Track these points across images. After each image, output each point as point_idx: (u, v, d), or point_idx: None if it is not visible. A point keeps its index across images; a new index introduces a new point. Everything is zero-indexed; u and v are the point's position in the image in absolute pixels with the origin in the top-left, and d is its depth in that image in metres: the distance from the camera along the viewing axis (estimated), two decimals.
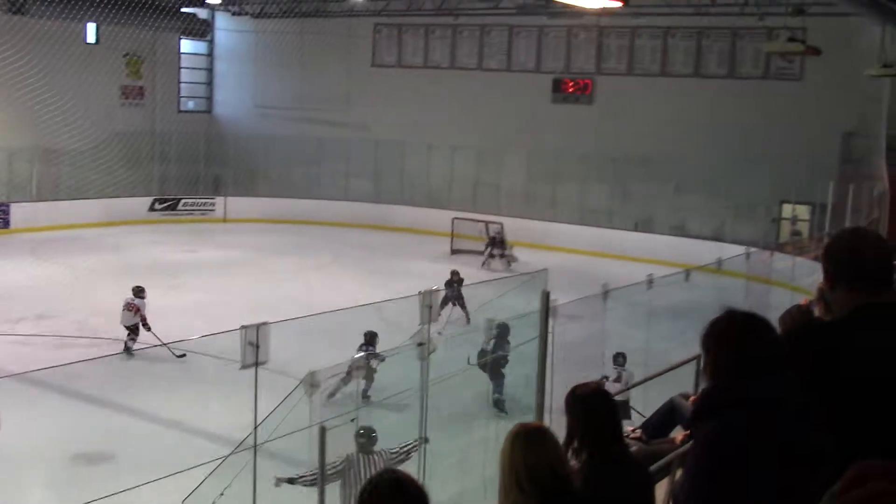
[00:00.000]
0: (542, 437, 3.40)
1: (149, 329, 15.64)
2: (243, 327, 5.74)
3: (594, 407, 3.85)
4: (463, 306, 18.00)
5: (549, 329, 7.57)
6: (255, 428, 6.81)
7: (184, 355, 14.71)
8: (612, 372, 11.69)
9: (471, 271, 23.48)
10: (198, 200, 31.60)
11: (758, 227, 26.04)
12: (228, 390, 13.13)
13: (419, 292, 6.96)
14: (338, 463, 7.81)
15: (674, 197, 26.99)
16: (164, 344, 14.35)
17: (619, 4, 9.31)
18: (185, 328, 15.43)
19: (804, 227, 26.17)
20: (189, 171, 32.29)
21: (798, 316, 4.04)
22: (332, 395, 10.86)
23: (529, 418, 7.16)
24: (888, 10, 16.96)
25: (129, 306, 15.96)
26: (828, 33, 22.00)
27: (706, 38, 27.79)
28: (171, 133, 32.44)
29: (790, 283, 19.28)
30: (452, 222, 27.12)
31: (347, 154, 31.68)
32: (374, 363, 10.76)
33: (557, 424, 9.00)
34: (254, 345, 5.58)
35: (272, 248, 25.62)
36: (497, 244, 25.16)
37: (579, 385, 4.02)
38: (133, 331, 15.75)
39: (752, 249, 17.85)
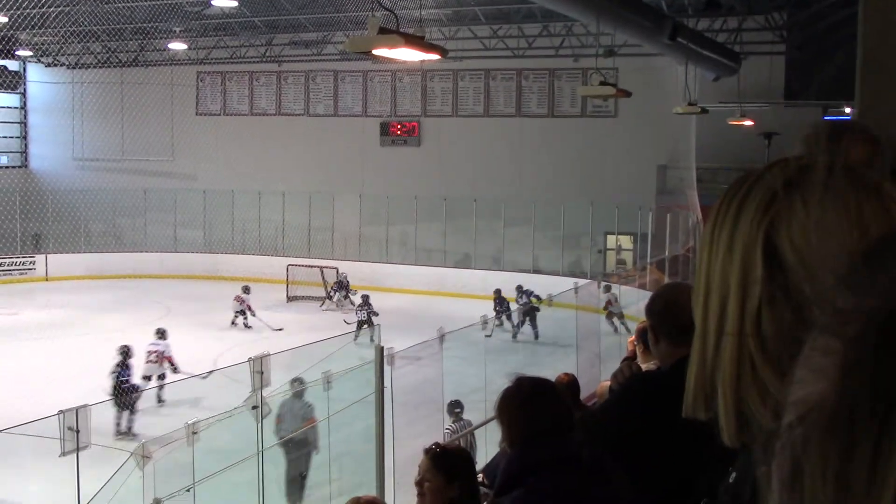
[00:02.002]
0: None
1: (177, 371, 14.69)
2: (61, 412, 5.47)
3: (453, 467, 3.83)
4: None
5: (387, 381, 7.63)
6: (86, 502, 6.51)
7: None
8: (448, 424, 11.69)
9: (307, 318, 23.35)
10: (16, 259, 30.01)
11: (584, 259, 27.06)
12: (51, 467, 12.49)
13: (249, 359, 6.85)
14: None
15: (504, 233, 27.68)
16: (195, 375, 13.38)
17: (437, 57, 9.56)
18: (8, 400, 14.55)
19: (628, 257, 27.35)
20: (4, 229, 30.61)
21: (627, 370, 4.24)
22: None
23: (371, 474, 7.17)
24: (689, 50, 18.09)
25: (152, 354, 14.89)
26: (639, 73, 23.19)
27: (525, 79, 28.79)
28: None
29: (619, 312, 20.19)
30: (287, 269, 26.86)
31: (175, 204, 30.91)
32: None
33: (400, 475, 9.00)
34: (73, 430, 5.32)
35: (101, 305, 24.62)
36: (343, 287, 25.10)
37: (438, 444, 4.01)
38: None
39: (581, 282, 18.51)
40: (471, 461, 4.04)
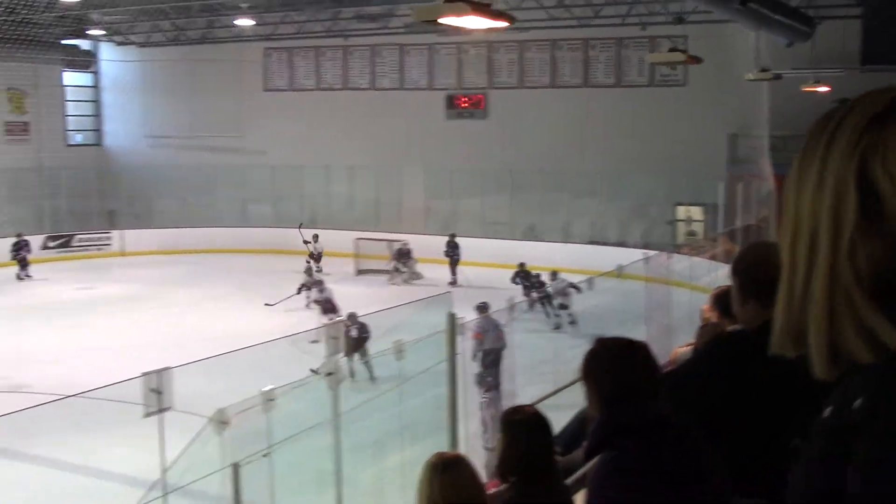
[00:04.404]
0: (458, 467, 3.42)
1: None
2: (144, 374, 5.60)
3: (528, 432, 3.84)
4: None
5: (457, 350, 7.63)
6: (164, 473, 6.67)
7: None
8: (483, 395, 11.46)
9: (376, 291, 23.53)
10: (92, 235, 30.76)
11: (654, 230, 26.74)
12: (134, 433, 12.84)
13: (324, 324, 6.90)
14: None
15: (572, 205, 27.48)
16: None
17: (506, 24, 9.47)
18: (85, 370, 14.95)
19: (699, 228, 26.96)
20: (81, 206, 31.39)
21: (712, 330, 4.15)
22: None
23: (442, 441, 7.20)
24: (762, 16, 17.67)
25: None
26: (708, 40, 22.75)
27: (592, 48, 28.44)
28: (59, 168, 31.51)
29: (689, 283, 19.87)
30: (355, 243, 27.04)
31: (244, 180, 31.31)
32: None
33: (471, 447, 9.09)
34: (156, 391, 5.44)
35: (173, 279, 25.12)
36: (403, 256, 25.26)
37: (515, 408, 4.00)
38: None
39: (651, 253, 18.28)
40: (546, 426, 4.00)
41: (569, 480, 5.78)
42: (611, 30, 27.03)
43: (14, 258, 26.34)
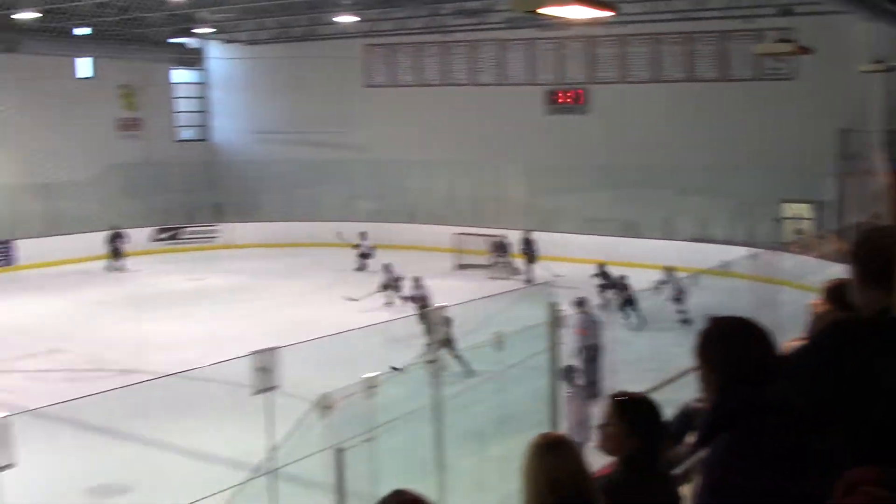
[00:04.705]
0: (563, 448, 3.39)
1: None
2: (254, 352, 5.75)
3: (637, 416, 3.77)
4: None
5: (558, 340, 7.61)
6: (272, 452, 6.83)
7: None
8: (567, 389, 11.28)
9: (475, 285, 23.56)
10: (200, 228, 31.68)
11: (760, 228, 26.08)
12: (240, 416, 13.19)
13: (423, 311, 6.94)
14: None
15: (675, 201, 27.03)
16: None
17: (610, 13, 9.34)
18: (195, 356, 15.41)
19: (807, 226, 26.20)
20: (190, 200, 32.36)
21: (828, 316, 4.02)
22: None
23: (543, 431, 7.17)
24: (876, 6, 17.07)
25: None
26: (817, 32, 22.10)
27: (696, 42, 27.90)
28: (169, 162, 32.56)
29: (796, 282, 19.31)
30: (455, 238, 27.16)
31: (347, 175, 31.76)
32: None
33: (571, 434, 9.01)
34: (265, 370, 5.59)
35: (277, 272, 25.66)
36: (499, 249, 25.19)
37: (624, 392, 3.94)
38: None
39: (758, 250, 17.86)
40: (657, 414, 3.92)
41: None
42: (715, 23, 26.45)
43: (110, 251, 27.06)
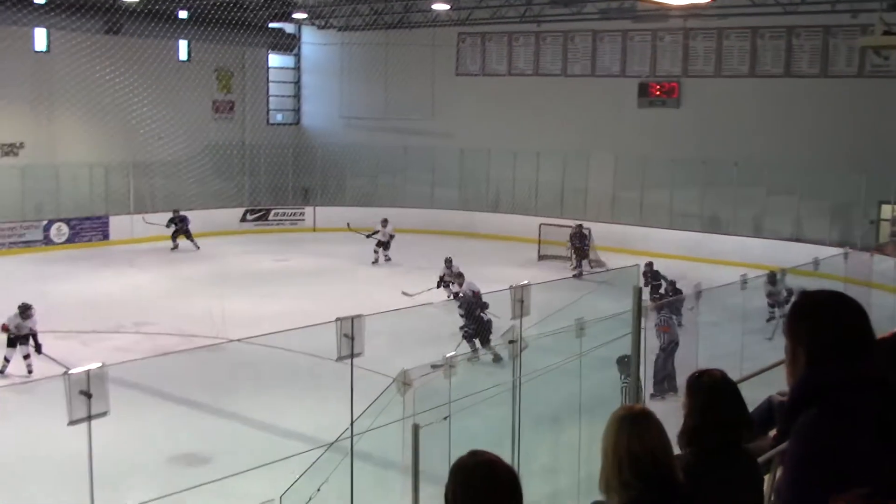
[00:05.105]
0: (647, 422, 3.27)
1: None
2: (338, 319, 5.78)
3: (718, 396, 3.64)
4: None
5: (641, 327, 7.45)
6: (352, 422, 6.86)
7: None
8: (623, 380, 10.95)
9: (557, 276, 23.39)
10: (287, 210, 32.16)
11: (855, 229, 25.30)
12: (321, 389, 13.36)
13: (510, 286, 6.87)
14: None
15: (766, 199, 26.40)
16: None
17: (707, 1, 9.12)
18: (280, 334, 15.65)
19: None
20: (279, 182, 32.91)
21: None
22: None
23: None
24: None
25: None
26: None
27: (796, 36, 27.16)
28: (260, 145, 33.14)
29: (890, 285, 18.68)
30: (539, 228, 27.00)
31: (433, 162, 31.85)
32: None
33: None
34: (349, 336, 5.61)
35: (361, 256, 25.86)
36: (576, 238, 24.73)
37: (704, 371, 3.83)
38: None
39: (851, 250, 17.30)
40: (735, 390, 3.80)
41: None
42: (817, 17, 25.70)
43: (173, 234, 27.35)
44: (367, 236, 25.56)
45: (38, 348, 15.09)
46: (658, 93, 29.36)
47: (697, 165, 27.14)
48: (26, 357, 14.95)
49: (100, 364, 4.72)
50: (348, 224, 26.61)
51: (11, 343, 15.13)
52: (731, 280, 18.88)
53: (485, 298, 16.08)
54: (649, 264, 20.40)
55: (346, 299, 20.18)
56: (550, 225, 26.99)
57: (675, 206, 28.02)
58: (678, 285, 18.12)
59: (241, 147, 32.98)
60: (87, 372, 4.68)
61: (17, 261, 25.29)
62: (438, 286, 20.21)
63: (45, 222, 27.58)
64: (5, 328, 15.13)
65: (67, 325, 17.69)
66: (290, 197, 33.02)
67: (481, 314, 16.04)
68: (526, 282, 7.28)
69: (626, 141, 28.78)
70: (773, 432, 7.18)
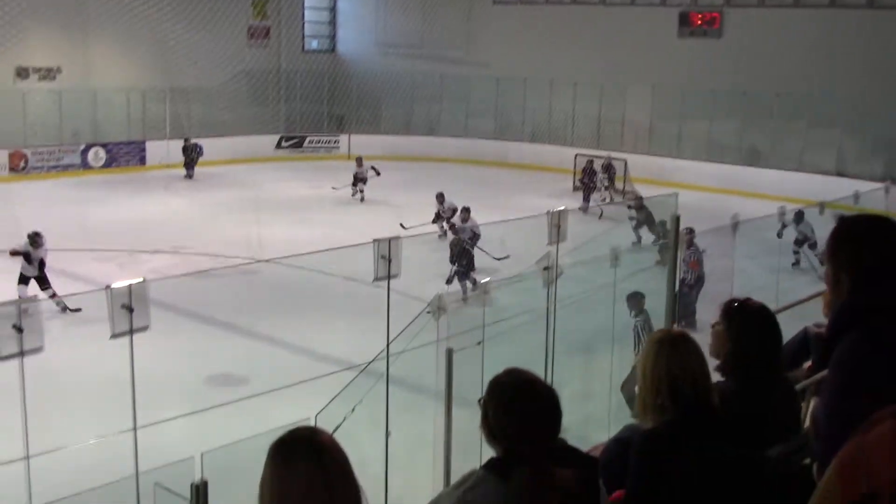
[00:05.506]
0: (685, 346, 3.26)
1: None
2: (376, 240, 5.79)
3: (760, 323, 3.62)
4: None
5: (678, 256, 7.40)
6: (388, 343, 6.91)
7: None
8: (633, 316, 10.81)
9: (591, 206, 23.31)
10: (322, 138, 32.12)
11: None
12: (355, 312, 13.48)
13: (547, 212, 6.81)
14: None
15: (807, 132, 25.94)
16: None
17: None
18: (314, 257, 15.75)
19: None
20: (313, 110, 32.82)
21: None
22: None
23: None
24: None
25: None
26: None
27: None
28: (295, 72, 32.98)
29: None
30: (575, 159, 26.78)
31: (468, 92, 31.55)
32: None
33: None
34: (386, 258, 5.62)
35: (394, 184, 25.83)
36: (586, 173, 24.28)
37: (745, 299, 3.79)
38: None
39: (893, 184, 16.99)
40: (772, 318, 3.77)
41: None
42: None
43: (186, 161, 27.22)
44: (357, 176, 24.89)
45: (42, 281, 14.35)
46: (699, 23, 28.75)
47: (737, 97, 26.66)
48: (53, 296, 14.05)
49: (141, 279, 4.77)
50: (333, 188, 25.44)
51: (23, 280, 14.38)
52: (764, 213, 18.73)
53: (516, 225, 15.85)
54: (638, 199, 19.84)
55: (380, 227, 20.23)
56: (585, 156, 26.74)
57: (713, 138, 27.63)
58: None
59: (277, 73, 32.84)
60: (129, 286, 4.74)
61: (56, 185, 25.57)
62: (434, 222, 19.95)
63: (82, 147, 27.78)
64: (14, 252, 14.48)
65: (105, 248, 17.95)
66: (325, 124, 32.94)
67: (469, 249, 15.86)
68: (563, 207, 7.22)
69: (665, 72, 28.28)
70: (807, 364, 7.15)
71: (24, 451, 5.20)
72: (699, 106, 27.34)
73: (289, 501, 2.23)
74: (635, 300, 10.45)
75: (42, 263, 14.55)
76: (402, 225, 19.16)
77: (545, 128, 30.74)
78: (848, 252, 2.76)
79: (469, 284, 15.16)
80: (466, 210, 17.72)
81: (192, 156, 27.20)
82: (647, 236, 17.95)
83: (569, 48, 29.99)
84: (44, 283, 14.41)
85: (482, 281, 7.52)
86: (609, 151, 26.83)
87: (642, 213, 18.79)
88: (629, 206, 19.51)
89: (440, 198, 20.12)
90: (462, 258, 15.50)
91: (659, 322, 8.49)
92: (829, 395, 2.86)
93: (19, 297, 13.65)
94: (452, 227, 17.50)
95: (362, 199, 24.45)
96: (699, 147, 27.66)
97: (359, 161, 25.06)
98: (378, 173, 24.43)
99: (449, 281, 15.03)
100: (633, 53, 29.06)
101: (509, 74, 30.70)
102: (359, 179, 24.71)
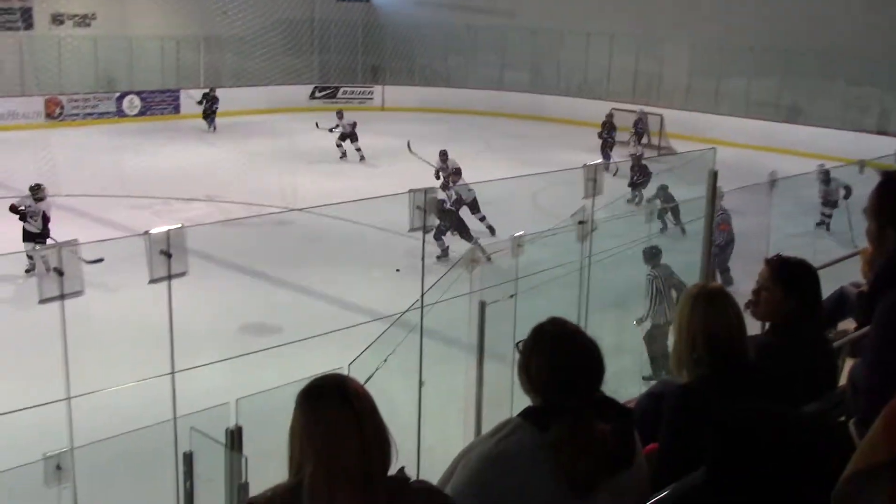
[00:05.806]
0: (723, 301, 3.24)
1: None
2: (411, 191, 5.80)
3: (793, 279, 3.58)
4: None
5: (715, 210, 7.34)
6: (423, 294, 6.94)
7: None
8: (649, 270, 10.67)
9: (625, 160, 23.08)
10: (356, 89, 32.03)
11: None
12: (389, 263, 13.54)
13: (584, 165, 6.76)
14: None
15: (847, 90, 25.49)
16: None
17: None
18: (346, 207, 15.80)
19: None
20: (348, 60, 32.66)
21: None
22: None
23: None
24: None
25: None
26: None
27: None
28: (330, 21, 32.77)
29: None
30: (609, 114, 26.48)
31: (503, 43, 31.25)
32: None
33: None
34: (421, 208, 5.63)
35: (428, 135, 25.68)
36: (605, 128, 23.90)
37: (788, 257, 3.75)
38: None
39: None
40: (815, 277, 3.73)
41: None
42: None
43: (204, 111, 27.02)
44: (331, 130, 24.00)
45: (45, 234, 13.51)
46: None
47: (777, 53, 26.20)
48: None
49: (179, 225, 4.82)
50: (316, 123, 24.32)
51: (28, 237, 13.57)
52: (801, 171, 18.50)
53: (550, 178, 15.64)
54: (637, 157, 19.55)
55: (414, 178, 20.21)
56: (621, 110, 26.45)
57: (751, 94, 27.24)
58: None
59: (311, 23, 32.65)
60: (168, 232, 4.79)
61: (91, 132, 25.74)
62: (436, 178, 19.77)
63: (117, 94, 27.89)
64: (14, 208, 13.69)
65: (140, 195, 18.10)
66: (360, 75, 32.80)
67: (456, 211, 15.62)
68: (599, 160, 7.17)
69: (705, 26, 27.79)
70: (841, 324, 7.10)
71: (66, 393, 5.30)
72: (737, 62, 26.93)
73: (317, 447, 2.25)
74: (650, 254, 10.42)
75: (46, 218, 13.75)
76: (409, 146, 19.08)
77: (580, 81, 30.43)
78: (888, 206, 2.74)
79: (445, 244, 14.91)
80: (457, 172, 17.32)
81: (213, 107, 27.09)
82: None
83: (606, 1, 29.56)
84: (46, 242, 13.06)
85: (519, 234, 7.49)
86: (643, 106, 26.52)
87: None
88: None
89: (443, 155, 19.45)
90: (444, 218, 15.07)
91: (693, 278, 8.46)
92: (871, 350, 2.85)
93: (27, 254, 12.92)
94: (444, 185, 17.15)
95: (361, 158, 23.62)
96: (736, 103, 27.29)
97: (339, 114, 24.17)
98: (355, 124, 23.70)
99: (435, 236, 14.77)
100: (672, 6, 28.58)
101: (545, 26, 30.34)
102: (346, 136, 23.83)
